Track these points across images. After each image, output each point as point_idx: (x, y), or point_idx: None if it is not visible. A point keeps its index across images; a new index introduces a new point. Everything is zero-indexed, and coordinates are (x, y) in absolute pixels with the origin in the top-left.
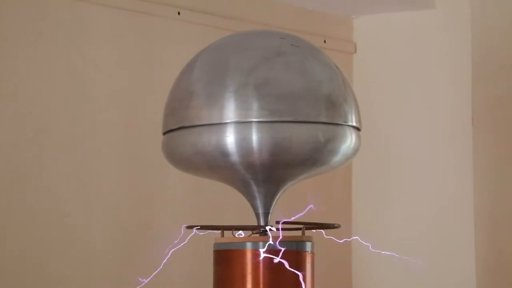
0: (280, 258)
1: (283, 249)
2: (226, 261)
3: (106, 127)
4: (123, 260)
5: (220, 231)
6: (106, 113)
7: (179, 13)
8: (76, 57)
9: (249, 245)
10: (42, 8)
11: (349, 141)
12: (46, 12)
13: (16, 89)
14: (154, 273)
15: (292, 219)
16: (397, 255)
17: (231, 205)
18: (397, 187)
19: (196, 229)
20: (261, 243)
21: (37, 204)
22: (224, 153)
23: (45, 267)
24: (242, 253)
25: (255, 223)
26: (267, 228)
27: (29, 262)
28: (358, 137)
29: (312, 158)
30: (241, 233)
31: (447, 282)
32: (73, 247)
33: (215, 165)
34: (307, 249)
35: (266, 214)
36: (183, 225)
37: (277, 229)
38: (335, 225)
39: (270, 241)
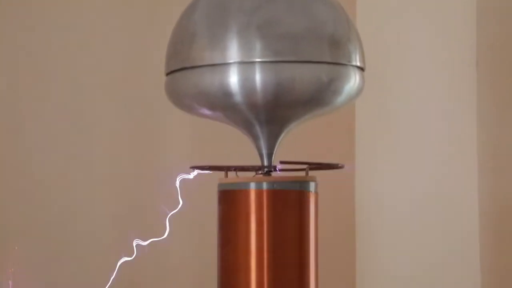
0: (284, 198)
1: (287, 188)
2: (230, 201)
3: (107, 68)
4: (126, 206)
5: (224, 171)
6: (107, 54)
7: None
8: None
9: (252, 185)
10: None
11: (353, 81)
12: None
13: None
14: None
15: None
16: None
17: (235, 146)
18: (400, 129)
19: (200, 169)
20: (264, 183)
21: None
22: (227, 94)
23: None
24: (246, 193)
25: (259, 164)
26: (271, 168)
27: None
28: (362, 77)
29: (315, 98)
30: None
31: (451, 223)
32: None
33: (218, 106)
34: (311, 189)
35: (270, 155)
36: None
37: (281, 169)
38: (339, 165)
39: (274, 181)
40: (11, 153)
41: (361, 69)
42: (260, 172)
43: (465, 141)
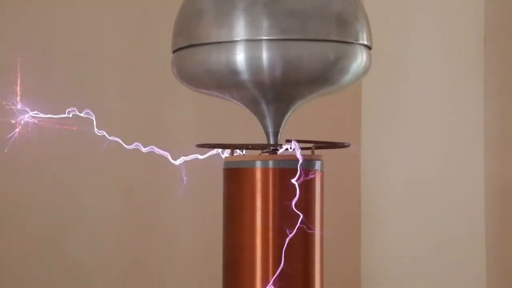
0: (290, 176)
1: (292, 167)
2: (236, 179)
3: (113, 47)
4: (129, 182)
5: (230, 149)
6: (113, 32)
7: None
8: None
9: (258, 164)
10: None
11: (360, 59)
12: None
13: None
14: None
15: None
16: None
17: (241, 124)
18: (407, 108)
19: (206, 147)
20: (270, 162)
21: None
22: (233, 71)
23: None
24: (252, 171)
25: (265, 142)
26: (277, 146)
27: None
28: (369, 56)
29: (322, 77)
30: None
31: (456, 204)
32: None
33: (224, 84)
34: (317, 168)
35: (276, 133)
36: (194, 143)
37: (287, 148)
38: (345, 143)
39: (280, 159)
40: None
41: (368, 47)
42: (266, 150)
43: (472, 121)
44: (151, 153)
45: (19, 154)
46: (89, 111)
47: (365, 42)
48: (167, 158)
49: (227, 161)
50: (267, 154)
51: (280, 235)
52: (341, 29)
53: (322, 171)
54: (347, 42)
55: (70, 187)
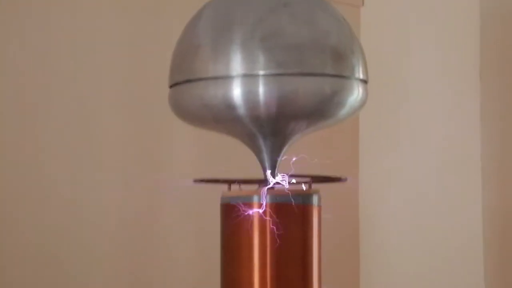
0: (287, 211)
1: (290, 202)
2: (233, 215)
3: (110, 82)
4: (130, 219)
5: (227, 184)
6: (110, 67)
7: None
8: (78, 8)
9: (255, 199)
10: None
11: (356, 93)
12: None
13: (20, 49)
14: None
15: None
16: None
17: (238, 159)
18: (404, 141)
19: (203, 182)
20: (268, 197)
21: (42, 161)
22: (230, 106)
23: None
24: (249, 206)
25: (262, 177)
26: (274, 181)
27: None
28: (365, 90)
29: (318, 111)
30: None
31: (454, 234)
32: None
33: (221, 118)
34: (314, 202)
35: (273, 168)
36: (191, 179)
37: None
38: (342, 178)
39: (277, 194)
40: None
41: (364, 81)
42: (263, 185)
43: (469, 152)
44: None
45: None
46: None
47: (361, 76)
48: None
49: (224, 196)
50: (264, 188)
51: (278, 271)
52: (337, 63)
53: (319, 206)
54: (343, 76)
55: (65, 217)
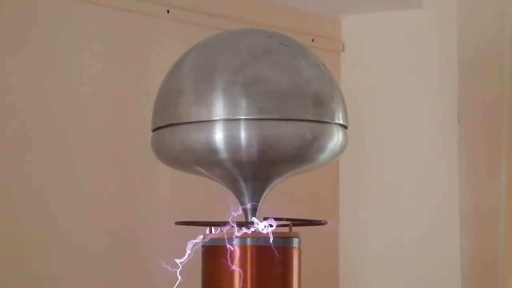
0: (268, 254)
1: (270, 245)
2: (214, 257)
3: (95, 125)
4: (110, 258)
5: (208, 227)
6: (95, 111)
7: (168, 11)
8: (64, 55)
9: (236, 241)
10: (30, 5)
11: (336, 138)
12: (34, 9)
13: (4, 86)
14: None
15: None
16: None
17: (219, 202)
18: (384, 185)
19: (184, 225)
20: (248, 239)
21: (23, 202)
22: (212, 150)
23: (29, 267)
24: (230, 248)
25: (243, 220)
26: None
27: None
28: (345, 135)
29: (299, 155)
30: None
31: (433, 278)
32: (59, 245)
33: (203, 162)
34: (294, 245)
35: (254, 211)
36: (172, 222)
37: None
38: (322, 221)
39: (258, 237)
40: None
41: (344, 126)
42: (244, 227)
43: (447, 198)
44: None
45: None
46: None
47: (341, 122)
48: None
49: (205, 238)
50: (245, 231)
51: None
52: (318, 109)
53: (300, 248)
54: (323, 121)
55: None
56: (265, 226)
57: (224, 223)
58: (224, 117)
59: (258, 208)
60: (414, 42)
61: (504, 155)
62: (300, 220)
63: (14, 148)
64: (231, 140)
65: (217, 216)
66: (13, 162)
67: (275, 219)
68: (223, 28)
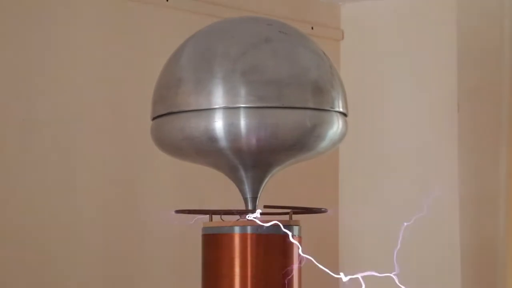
0: (268, 242)
1: (270, 233)
2: (214, 245)
3: (93, 114)
4: (110, 247)
5: (208, 215)
6: (93, 100)
7: (167, 0)
8: (62, 43)
9: (237, 229)
10: None
11: (336, 126)
12: None
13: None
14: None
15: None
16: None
17: (219, 190)
18: (383, 173)
19: (184, 213)
20: (249, 227)
21: (20, 192)
22: (212, 139)
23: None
24: (230, 237)
25: (243, 208)
26: (255, 212)
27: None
28: (345, 123)
29: (299, 144)
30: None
31: (433, 265)
32: (59, 238)
33: (203, 150)
34: (295, 233)
35: (254, 199)
36: (172, 210)
37: (265, 213)
38: (322, 209)
39: (258, 225)
40: None
41: (344, 114)
42: (244, 216)
43: (447, 185)
44: (130, 215)
45: None
46: None
47: (341, 110)
48: (146, 222)
49: (205, 227)
50: (246, 219)
51: None
52: (317, 97)
53: (300, 236)
54: (323, 109)
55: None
56: (265, 214)
57: (224, 211)
58: (224, 106)
59: (258, 196)
60: (413, 30)
61: (504, 143)
62: (300, 208)
63: (13, 138)
64: (231, 128)
65: (218, 205)
66: (14, 148)
67: (275, 207)
68: (222, 17)
